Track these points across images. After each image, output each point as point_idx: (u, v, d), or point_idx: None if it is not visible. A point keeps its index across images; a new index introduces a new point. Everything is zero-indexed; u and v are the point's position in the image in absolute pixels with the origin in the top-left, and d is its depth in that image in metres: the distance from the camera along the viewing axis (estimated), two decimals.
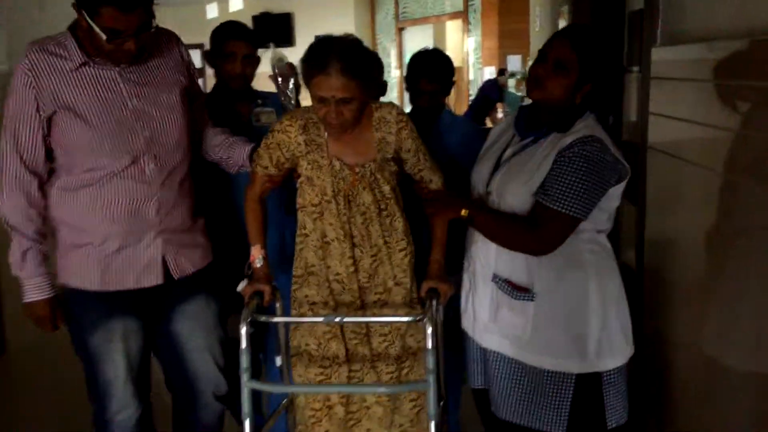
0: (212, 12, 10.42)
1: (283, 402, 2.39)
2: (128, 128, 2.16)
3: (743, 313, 1.84)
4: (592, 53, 2.02)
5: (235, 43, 2.67)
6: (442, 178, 2.30)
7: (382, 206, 2.19)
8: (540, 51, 2.08)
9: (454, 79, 2.80)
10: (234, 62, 2.67)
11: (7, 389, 4.08)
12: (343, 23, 10.42)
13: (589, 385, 2.10)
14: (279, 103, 2.68)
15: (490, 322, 2.18)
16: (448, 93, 2.79)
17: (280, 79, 2.64)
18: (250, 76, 2.75)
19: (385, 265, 2.22)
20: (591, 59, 2.01)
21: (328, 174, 2.16)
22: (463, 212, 2.12)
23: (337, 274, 2.21)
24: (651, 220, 2.62)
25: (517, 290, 2.10)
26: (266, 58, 2.72)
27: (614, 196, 2.08)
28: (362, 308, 2.23)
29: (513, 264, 2.11)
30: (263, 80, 2.74)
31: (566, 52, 2.01)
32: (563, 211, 1.97)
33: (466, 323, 2.30)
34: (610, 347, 2.10)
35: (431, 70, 2.68)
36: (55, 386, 3.78)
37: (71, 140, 2.14)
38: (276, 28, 10.58)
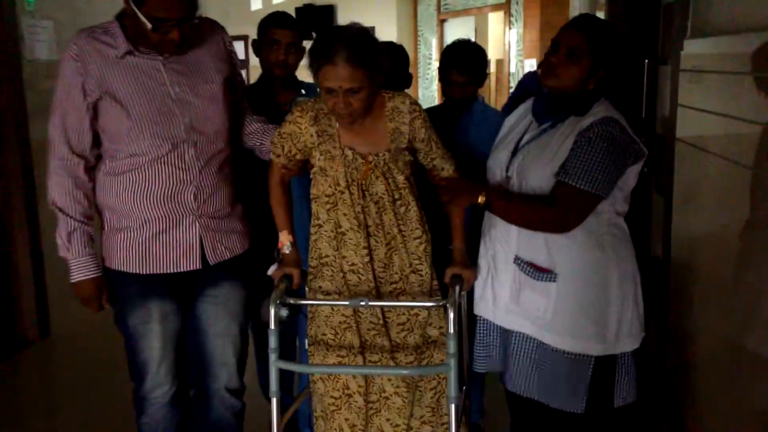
0: (256, 4, 10.47)
1: (309, 385, 2.44)
2: (169, 116, 2.21)
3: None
4: (602, 40, 2.10)
5: (279, 30, 2.75)
6: (454, 165, 2.31)
7: (396, 196, 2.20)
8: (552, 41, 2.15)
9: (489, 71, 2.81)
10: (278, 50, 2.74)
11: (50, 371, 4.22)
12: (385, 15, 10.43)
13: (605, 366, 2.15)
14: (317, 93, 2.74)
15: (512, 304, 2.22)
16: (481, 85, 2.79)
17: None
18: (294, 65, 2.81)
19: (401, 254, 2.22)
20: (601, 46, 2.09)
21: (341, 164, 2.17)
22: (480, 199, 2.15)
23: (353, 264, 2.22)
24: (678, 212, 2.63)
25: (540, 271, 2.15)
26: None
27: (631, 175, 2.12)
28: (378, 298, 2.24)
29: (534, 246, 2.15)
30: (304, 71, 2.80)
31: (577, 40, 2.09)
32: (583, 188, 2.02)
33: (484, 308, 2.33)
34: (628, 330, 2.15)
35: (462, 61, 2.70)
36: (97, 369, 3.87)
37: (113, 126, 2.20)
38: (318, 19, 10.63)
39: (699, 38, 2.46)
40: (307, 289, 2.36)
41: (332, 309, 2.29)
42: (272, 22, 2.79)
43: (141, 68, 2.20)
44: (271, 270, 2.32)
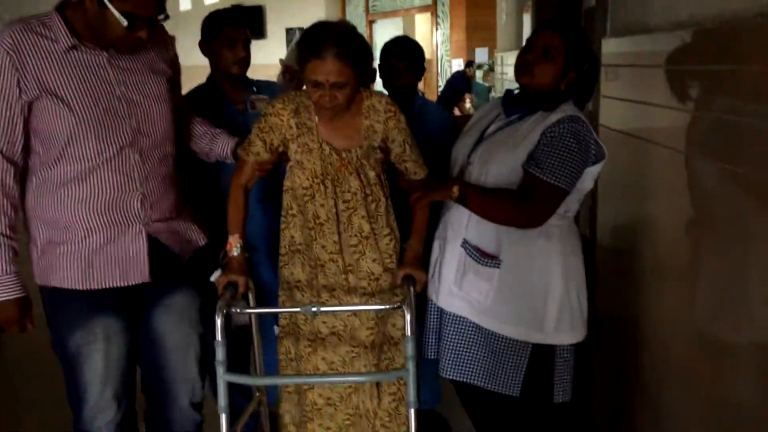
0: (185, 4, 10.41)
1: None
2: (115, 117, 2.05)
3: (692, 287, 1.96)
4: (577, 43, 2.14)
5: (235, 28, 2.71)
6: (426, 172, 2.33)
7: (368, 191, 2.23)
8: (528, 40, 2.20)
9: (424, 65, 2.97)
10: (235, 47, 2.69)
11: (3, 389, 4.03)
12: (313, 16, 10.39)
13: (543, 356, 2.18)
14: (274, 92, 2.71)
15: (455, 286, 2.25)
16: (420, 76, 2.93)
17: (288, 75, 2.84)
18: (248, 62, 2.76)
19: (374, 251, 2.26)
20: (576, 48, 2.14)
21: (318, 157, 2.21)
22: (455, 190, 2.11)
23: (320, 258, 2.26)
24: (603, 190, 2.83)
25: (485, 257, 2.18)
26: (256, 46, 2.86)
27: (589, 176, 2.16)
28: (348, 293, 2.29)
29: (483, 232, 2.18)
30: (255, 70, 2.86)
31: (554, 41, 2.12)
32: (554, 183, 2.05)
33: (431, 289, 2.34)
34: (569, 323, 2.18)
35: (400, 49, 2.87)
36: (53, 384, 3.56)
37: (53, 128, 2.00)
38: (247, 20, 10.69)
39: (617, 37, 2.70)
40: (250, 295, 2.32)
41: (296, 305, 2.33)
42: (227, 20, 2.72)
43: (85, 65, 2.02)
44: (215, 276, 2.28)
